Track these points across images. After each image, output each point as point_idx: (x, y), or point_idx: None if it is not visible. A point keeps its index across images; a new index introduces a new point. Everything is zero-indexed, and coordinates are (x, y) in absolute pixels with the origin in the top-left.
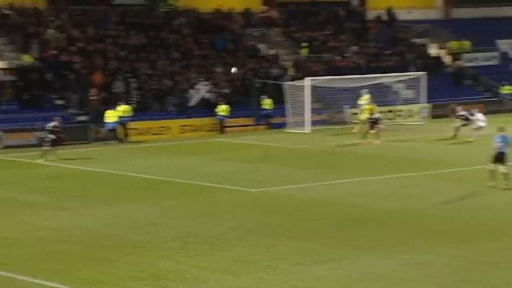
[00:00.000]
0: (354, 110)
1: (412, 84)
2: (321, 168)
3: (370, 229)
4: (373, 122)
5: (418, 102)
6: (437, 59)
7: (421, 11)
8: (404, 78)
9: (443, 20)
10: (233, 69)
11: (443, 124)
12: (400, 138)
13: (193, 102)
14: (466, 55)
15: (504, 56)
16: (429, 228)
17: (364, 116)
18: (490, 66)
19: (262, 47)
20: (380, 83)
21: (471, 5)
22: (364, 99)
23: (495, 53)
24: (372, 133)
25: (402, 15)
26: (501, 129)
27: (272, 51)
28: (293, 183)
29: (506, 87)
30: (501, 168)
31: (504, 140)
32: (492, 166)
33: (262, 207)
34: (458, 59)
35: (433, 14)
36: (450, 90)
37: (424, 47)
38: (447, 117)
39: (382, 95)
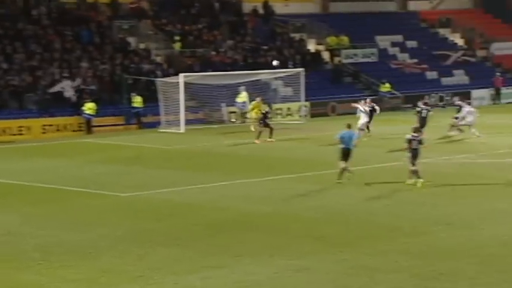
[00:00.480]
0: (231, 109)
1: (290, 81)
2: (196, 170)
3: (247, 234)
4: (265, 118)
5: (297, 100)
6: (316, 55)
7: (298, 5)
8: (283, 74)
9: (321, 15)
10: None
11: (322, 123)
12: (279, 138)
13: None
14: (345, 51)
15: (383, 52)
16: (307, 232)
17: (253, 114)
18: (369, 63)
19: (131, 40)
20: (258, 80)
21: None
22: (242, 97)
23: (374, 50)
24: (262, 130)
25: (279, 8)
26: (348, 126)
27: (143, 45)
28: (167, 186)
29: (386, 85)
30: (342, 164)
31: (349, 137)
32: (341, 163)
33: (133, 212)
34: (337, 55)
35: (311, 8)
36: (329, 87)
37: (302, 42)
38: (327, 115)
39: (260, 93)
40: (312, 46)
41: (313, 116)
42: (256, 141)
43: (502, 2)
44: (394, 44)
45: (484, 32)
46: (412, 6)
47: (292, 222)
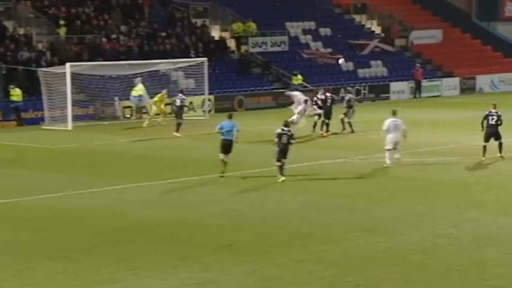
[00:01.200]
0: (126, 103)
1: (192, 72)
2: (85, 173)
3: (145, 244)
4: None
5: (200, 94)
6: (221, 43)
7: None
8: (184, 65)
9: None
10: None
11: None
12: (180, 136)
13: None
14: (253, 39)
15: (294, 41)
16: (212, 240)
17: (161, 108)
18: (279, 53)
19: (8, 24)
20: (156, 71)
21: None
22: (138, 90)
23: (284, 38)
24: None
25: None
26: (229, 116)
27: (22, 30)
28: (51, 191)
29: (298, 76)
30: (222, 156)
31: (230, 128)
32: (222, 156)
33: (12, 221)
34: (244, 44)
35: None
36: (235, 79)
37: (204, 28)
38: (234, 110)
39: (159, 85)
40: (215, 33)
41: (217, 111)
42: (176, 134)
43: None
44: (306, 32)
45: (403, 19)
46: None
47: (196, 229)
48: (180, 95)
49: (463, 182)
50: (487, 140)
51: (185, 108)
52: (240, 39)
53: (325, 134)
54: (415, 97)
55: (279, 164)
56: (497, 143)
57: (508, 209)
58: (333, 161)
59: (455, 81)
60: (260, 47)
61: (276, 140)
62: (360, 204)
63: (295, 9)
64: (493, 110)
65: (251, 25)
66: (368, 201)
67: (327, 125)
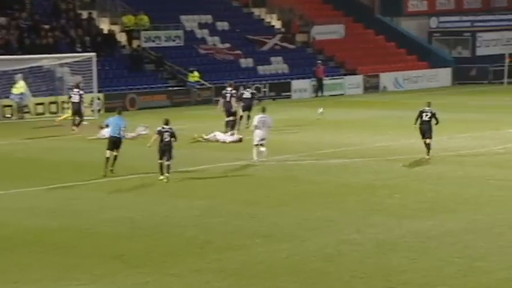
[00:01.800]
0: (5, 101)
1: (79, 68)
2: None
3: (28, 255)
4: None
5: (89, 92)
6: (110, 37)
7: None
8: (70, 60)
9: None
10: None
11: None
12: (67, 137)
13: None
14: (145, 33)
15: (190, 35)
16: (102, 250)
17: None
18: (174, 48)
19: None
20: (39, 67)
21: None
22: (19, 87)
23: (179, 32)
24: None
25: None
26: (119, 112)
27: None
28: None
29: (194, 73)
30: (108, 153)
31: (117, 124)
32: (108, 153)
33: None
34: (136, 38)
35: None
36: (127, 76)
37: (92, 21)
38: (125, 110)
39: (42, 82)
40: (104, 26)
41: (108, 110)
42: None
43: None
44: (202, 26)
45: (304, 14)
46: None
47: (84, 238)
48: (76, 90)
49: (368, 185)
50: (424, 137)
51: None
52: (131, 33)
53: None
54: (317, 96)
55: (160, 162)
56: (425, 143)
57: (414, 212)
58: (232, 163)
59: (358, 79)
60: (153, 41)
61: (156, 137)
62: (261, 209)
63: (190, 1)
64: (427, 108)
65: (143, 18)
66: (269, 206)
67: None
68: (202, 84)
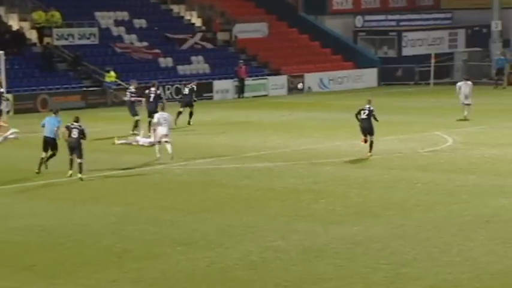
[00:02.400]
0: None
1: None
2: None
3: None
4: None
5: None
6: (19, 34)
7: None
8: None
9: None
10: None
11: (30, 121)
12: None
13: None
14: (57, 30)
15: (105, 33)
16: (11, 261)
17: None
18: (88, 46)
19: None
20: None
21: None
22: None
23: (94, 29)
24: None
25: None
26: (56, 111)
27: None
28: None
29: (111, 73)
30: (43, 154)
31: (52, 124)
32: (43, 154)
33: None
34: (48, 35)
35: None
36: (38, 76)
37: None
38: (37, 111)
39: None
40: (13, 23)
41: (17, 112)
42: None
43: None
44: (118, 23)
45: (225, 11)
46: None
47: None
48: None
49: (292, 190)
50: (364, 134)
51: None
52: (42, 31)
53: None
54: (239, 97)
55: (71, 157)
56: (370, 141)
57: (340, 218)
58: (152, 167)
59: (282, 79)
60: (66, 39)
61: (66, 133)
62: (181, 216)
63: None
64: (366, 106)
65: (54, 14)
66: (190, 212)
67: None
68: (119, 84)
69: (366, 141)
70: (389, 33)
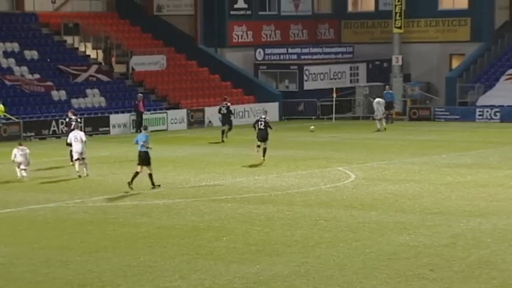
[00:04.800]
0: None
1: None
2: None
3: None
4: None
5: None
6: None
7: None
8: None
9: None
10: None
11: None
12: None
13: None
14: None
15: None
16: None
17: None
18: None
19: None
20: None
21: None
22: None
23: None
24: None
25: None
26: (145, 127)
27: None
28: None
29: (0, 106)
30: (140, 169)
31: (145, 139)
32: (139, 168)
33: None
34: None
35: None
36: None
37: None
38: None
39: None
40: None
41: None
42: None
43: (139, 6)
44: (8, 54)
45: (122, 43)
46: (29, 6)
47: None
48: None
49: (192, 227)
50: (260, 140)
51: None
52: None
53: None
54: (137, 131)
55: None
56: (263, 148)
57: (242, 256)
58: (44, 205)
59: (182, 113)
60: None
61: None
62: (75, 256)
63: None
64: (263, 116)
65: None
66: (85, 252)
67: None
68: (9, 119)
69: (259, 147)
70: (291, 66)
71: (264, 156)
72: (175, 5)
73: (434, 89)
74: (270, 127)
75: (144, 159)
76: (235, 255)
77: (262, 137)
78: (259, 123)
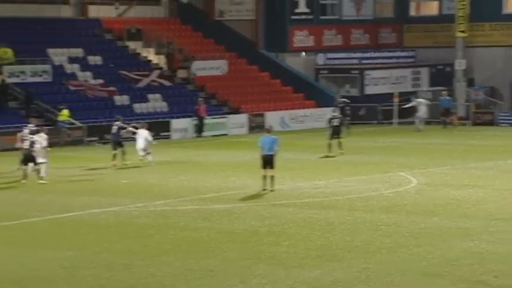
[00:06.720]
0: None
1: None
2: None
3: None
4: None
5: None
6: None
7: None
8: None
9: None
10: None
11: None
12: None
13: None
14: (9, 67)
15: (59, 70)
16: None
17: None
18: (41, 84)
19: None
20: None
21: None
22: None
23: (47, 66)
24: None
25: None
26: (268, 130)
27: None
28: None
29: (63, 112)
30: (269, 172)
31: (272, 142)
32: (263, 171)
33: None
34: None
35: None
36: None
37: None
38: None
39: None
40: None
41: None
42: None
43: (201, 12)
44: (72, 60)
45: (184, 48)
46: (93, 12)
47: None
48: None
49: (252, 232)
50: (334, 137)
51: None
52: None
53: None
54: (198, 136)
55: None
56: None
57: (302, 261)
58: (106, 209)
59: (242, 118)
60: (18, 76)
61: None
62: (137, 260)
63: (58, 34)
64: (335, 114)
65: (6, 51)
66: (146, 256)
67: None
68: (72, 123)
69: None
70: (352, 71)
71: (340, 148)
72: (237, 10)
73: (499, 93)
74: (343, 124)
75: (269, 162)
76: (295, 260)
77: (337, 133)
78: (334, 120)
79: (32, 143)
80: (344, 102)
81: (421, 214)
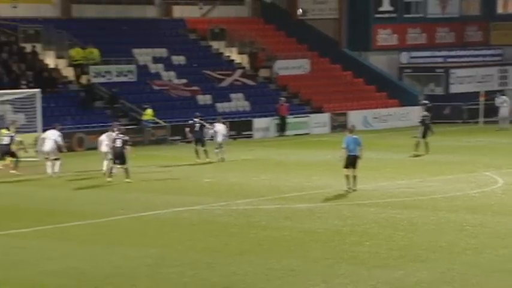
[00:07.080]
0: None
1: (22, 105)
2: None
3: None
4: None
5: (33, 131)
6: (55, 71)
7: (30, 6)
8: (12, 97)
9: (61, 20)
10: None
11: (66, 160)
12: (11, 180)
13: None
14: (94, 67)
15: (143, 70)
16: None
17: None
18: (126, 83)
19: None
20: None
21: (96, 1)
22: None
23: (132, 66)
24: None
25: (4, 10)
26: (351, 130)
27: None
28: None
29: (148, 111)
30: (352, 172)
31: (355, 142)
32: (345, 171)
33: None
34: (85, 73)
35: (47, 11)
36: (74, 114)
37: (35, 54)
38: (72, 150)
39: None
40: (50, 60)
41: None
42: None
43: (284, 11)
44: (156, 60)
45: (266, 47)
46: (177, 12)
47: None
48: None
49: (334, 232)
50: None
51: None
52: (79, 68)
53: None
54: (280, 135)
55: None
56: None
57: (385, 261)
58: (188, 208)
59: (324, 117)
60: (103, 76)
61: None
62: (220, 258)
63: (143, 34)
64: (425, 113)
65: (92, 51)
66: (229, 255)
67: None
68: (157, 123)
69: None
70: (436, 69)
71: (427, 148)
72: (320, 9)
73: None
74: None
75: (353, 162)
76: (378, 260)
77: (428, 131)
78: (425, 118)
79: (125, 142)
80: (424, 103)
81: (507, 215)
